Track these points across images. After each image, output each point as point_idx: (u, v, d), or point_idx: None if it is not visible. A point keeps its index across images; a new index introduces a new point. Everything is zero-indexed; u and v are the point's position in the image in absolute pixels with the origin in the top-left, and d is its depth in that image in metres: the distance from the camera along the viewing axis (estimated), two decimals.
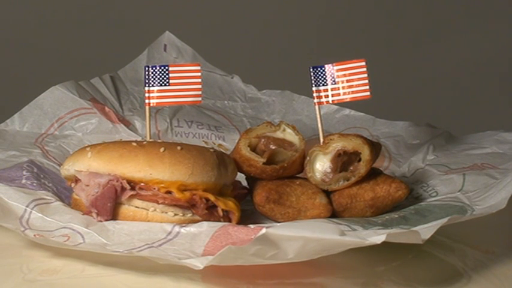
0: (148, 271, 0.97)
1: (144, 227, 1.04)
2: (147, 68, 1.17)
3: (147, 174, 1.06)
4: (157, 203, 1.06)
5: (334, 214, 1.13)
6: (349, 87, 1.16)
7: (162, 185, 1.06)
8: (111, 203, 1.05)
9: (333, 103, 1.19)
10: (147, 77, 1.17)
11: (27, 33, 2.13)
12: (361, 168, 1.12)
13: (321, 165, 1.13)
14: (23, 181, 1.12)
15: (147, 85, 1.17)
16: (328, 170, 1.13)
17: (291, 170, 1.14)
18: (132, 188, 1.06)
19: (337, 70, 1.16)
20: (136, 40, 1.67)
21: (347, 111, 1.48)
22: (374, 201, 1.12)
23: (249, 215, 1.13)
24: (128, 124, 1.38)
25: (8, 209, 1.06)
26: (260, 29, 2.21)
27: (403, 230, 1.00)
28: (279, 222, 1.11)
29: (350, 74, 1.16)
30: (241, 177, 1.16)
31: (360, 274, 1.01)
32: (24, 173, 1.14)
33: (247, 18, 2.21)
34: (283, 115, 1.49)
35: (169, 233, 1.03)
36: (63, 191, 1.14)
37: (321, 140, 1.15)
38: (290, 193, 1.11)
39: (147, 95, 1.17)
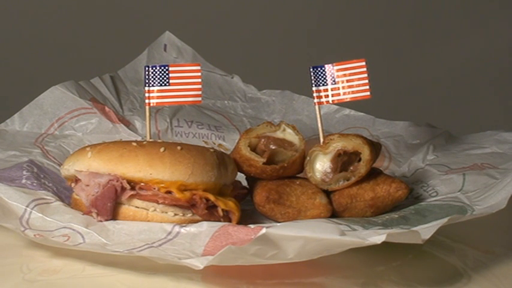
0: (148, 271, 0.97)
1: (144, 227, 1.04)
2: (147, 68, 1.17)
3: (147, 174, 1.06)
4: (157, 203, 1.06)
5: (334, 214, 1.13)
6: (349, 87, 1.16)
7: (162, 185, 1.06)
8: (111, 203, 1.05)
9: (333, 103, 1.19)
10: (147, 77, 1.17)
11: (27, 33, 2.13)
12: (361, 168, 1.12)
13: (321, 165, 1.13)
14: (23, 181, 1.12)
15: (147, 85, 1.17)
16: (328, 170, 1.13)
17: (291, 170, 1.14)
18: (132, 188, 1.06)
19: (337, 70, 1.16)
20: (137, 40, 1.67)
21: (347, 111, 1.48)
22: (374, 201, 1.12)
23: (249, 215, 1.13)
24: (128, 124, 1.38)
25: (8, 209, 1.06)
26: (260, 29, 2.21)
27: (403, 230, 1.00)
28: (279, 222, 1.11)
29: (350, 74, 1.16)
30: (241, 177, 1.16)
31: (360, 274, 1.01)
32: (24, 173, 1.14)
33: (248, 18, 2.21)
34: (283, 115, 1.49)
35: (169, 233, 1.03)
36: (63, 191, 1.14)
37: (321, 140, 1.15)
38: (290, 193, 1.11)
39: (147, 95, 1.17)
